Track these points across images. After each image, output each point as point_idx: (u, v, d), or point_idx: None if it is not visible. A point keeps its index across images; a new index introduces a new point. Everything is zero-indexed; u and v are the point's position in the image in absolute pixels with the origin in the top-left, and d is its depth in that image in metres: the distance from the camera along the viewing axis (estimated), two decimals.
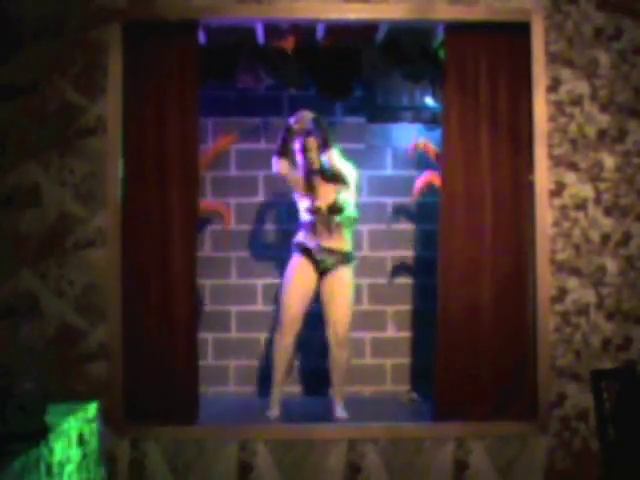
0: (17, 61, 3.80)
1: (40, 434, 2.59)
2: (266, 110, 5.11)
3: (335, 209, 4.20)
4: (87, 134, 3.83)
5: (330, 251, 4.19)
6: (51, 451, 2.65)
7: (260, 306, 5.09)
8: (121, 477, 3.76)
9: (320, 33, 4.19)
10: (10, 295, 3.77)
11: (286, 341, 4.20)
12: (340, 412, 4.14)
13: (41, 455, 2.54)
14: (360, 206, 4.85)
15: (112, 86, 3.82)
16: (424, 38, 4.35)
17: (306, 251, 4.21)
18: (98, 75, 3.83)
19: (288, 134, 4.26)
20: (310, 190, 4.26)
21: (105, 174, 3.83)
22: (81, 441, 3.07)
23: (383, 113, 5.04)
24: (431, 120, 4.91)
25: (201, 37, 4.08)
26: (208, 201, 4.78)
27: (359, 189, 4.44)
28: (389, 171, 5.16)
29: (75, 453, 2.97)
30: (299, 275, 4.20)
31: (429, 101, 4.78)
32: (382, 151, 5.18)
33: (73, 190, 3.82)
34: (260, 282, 5.09)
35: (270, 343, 4.99)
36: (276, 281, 5.04)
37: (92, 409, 3.28)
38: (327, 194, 4.24)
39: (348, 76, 4.53)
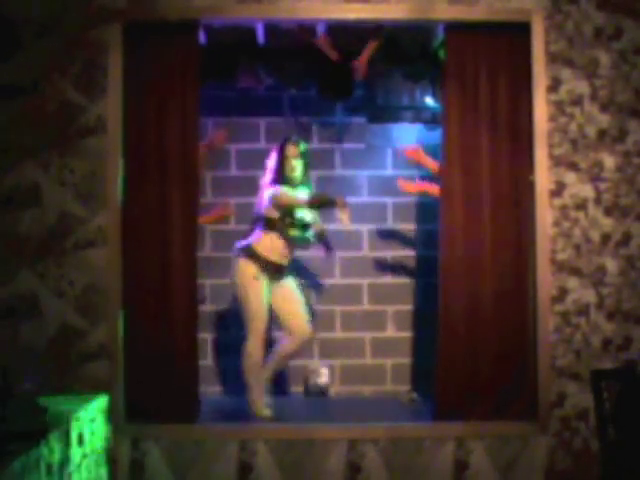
0: (17, 61, 3.80)
1: (40, 434, 2.59)
2: (266, 110, 5.11)
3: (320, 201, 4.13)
4: (87, 134, 3.83)
5: (282, 265, 4.18)
6: (51, 451, 2.65)
7: None
8: (121, 477, 3.76)
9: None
10: (10, 295, 3.77)
11: (261, 349, 4.12)
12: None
13: (41, 455, 2.54)
14: (359, 205, 4.88)
15: (112, 86, 3.82)
16: (424, 38, 4.35)
17: (260, 260, 4.12)
18: (98, 75, 3.82)
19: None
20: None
21: (105, 174, 3.82)
22: (81, 441, 3.07)
23: (383, 113, 5.04)
24: (431, 120, 4.92)
25: (201, 37, 4.07)
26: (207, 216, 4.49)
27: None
28: (389, 171, 5.16)
29: (75, 453, 2.97)
30: (259, 284, 4.12)
31: (429, 101, 4.78)
32: (382, 151, 5.18)
33: (73, 190, 3.82)
34: None
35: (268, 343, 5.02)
36: None
37: (92, 408, 3.28)
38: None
39: (348, 76, 4.53)
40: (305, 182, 4.27)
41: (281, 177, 4.19)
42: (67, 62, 3.82)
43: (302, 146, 4.23)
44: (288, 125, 5.08)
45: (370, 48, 4.20)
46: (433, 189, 4.26)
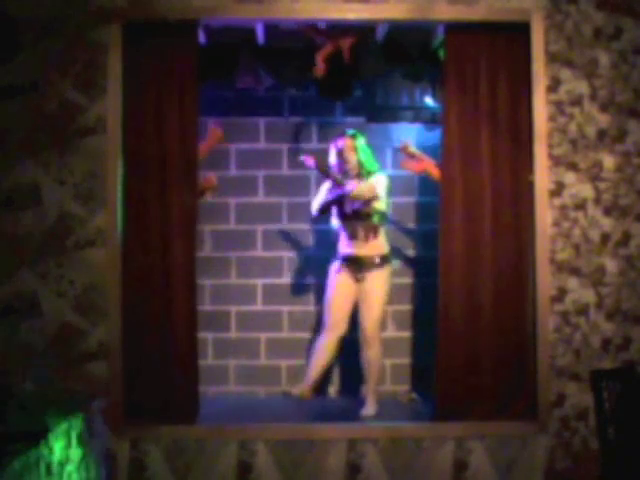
0: (17, 61, 3.81)
1: (40, 434, 2.59)
2: (266, 110, 5.11)
3: (361, 215, 4.27)
4: (87, 134, 3.83)
5: (361, 259, 4.29)
6: (51, 451, 2.65)
7: (260, 306, 5.10)
8: (121, 477, 3.76)
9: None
10: (10, 295, 3.77)
11: (326, 339, 4.33)
12: (367, 409, 4.20)
13: (41, 455, 2.55)
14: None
15: (112, 86, 3.82)
16: (424, 38, 4.35)
17: (342, 259, 4.34)
18: (98, 75, 3.82)
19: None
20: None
21: (105, 174, 3.83)
22: (81, 441, 3.07)
23: (383, 113, 5.03)
24: (431, 120, 4.90)
25: (201, 37, 4.08)
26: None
27: (390, 192, 4.48)
28: (389, 171, 5.14)
29: (75, 453, 2.98)
30: (338, 282, 4.33)
31: (429, 101, 4.78)
32: (382, 151, 5.17)
33: (73, 190, 3.82)
34: (260, 282, 5.10)
35: (268, 343, 5.02)
36: (276, 281, 5.08)
37: (91, 408, 3.29)
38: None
39: (348, 76, 4.52)
40: (365, 174, 4.35)
41: (337, 170, 4.36)
42: (67, 62, 3.82)
43: (358, 140, 4.38)
44: (287, 125, 5.09)
45: (326, 51, 4.23)
46: (433, 168, 4.22)
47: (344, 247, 4.35)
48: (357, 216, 4.29)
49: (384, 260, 4.32)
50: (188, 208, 3.92)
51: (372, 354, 4.29)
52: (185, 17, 3.88)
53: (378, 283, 4.29)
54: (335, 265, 4.39)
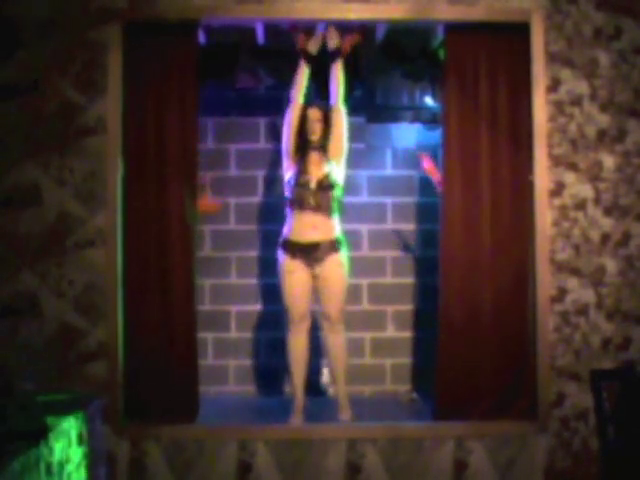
0: (17, 61, 3.81)
1: (40, 434, 2.59)
2: (266, 110, 5.12)
3: (325, 185, 4.01)
4: (87, 134, 3.83)
5: (316, 245, 4.00)
6: (51, 451, 2.65)
7: (260, 306, 5.10)
8: (121, 477, 3.76)
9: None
10: (10, 295, 3.77)
11: (299, 337, 4.09)
12: (343, 414, 4.08)
13: (41, 455, 2.54)
14: (359, 205, 4.88)
15: (112, 86, 3.82)
16: (424, 38, 4.35)
17: (291, 249, 4.03)
18: (98, 75, 3.83)
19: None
20: (301, 160, 4.09)
21: (105, 174, 3.83)
22: (81, 441, 3.07)
23: (383, 113, 5.04)
24: (431, 120, 4.91)
25: (201, 37, 4.08)
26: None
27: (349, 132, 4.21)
28: (389, 171, 5.16)
29: (75, 453, 2.97)
30: (292, 274, 4.03)
31: (429, 101, 4.78)
32: (382, 151, 5.18)
33: (73, 190, 3.83)
34: (260, 282, 5.10)
35: (268, 343, 5.02)
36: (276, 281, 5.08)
37: (92, 408, 3.28)
38: (319, 169, 4.06)
39: (348, 76, 4.52)
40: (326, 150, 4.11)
41: (300, 141, 4.11)
42: (67, 62, 3.82)
43: (325, 110, 4.13)
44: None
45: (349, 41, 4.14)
46: (437, 175, 4.18)
47: (297, 234, 4.01)
48: (320, 186, 4.00)
49: (339, 243, 4.05)
50: (187, 208, 3.92)
51: (339, 339, 4.10)
52: (185, 17, 3.88)
53: (338, 266, 4.03)
54: (284, 254, 4.05)
